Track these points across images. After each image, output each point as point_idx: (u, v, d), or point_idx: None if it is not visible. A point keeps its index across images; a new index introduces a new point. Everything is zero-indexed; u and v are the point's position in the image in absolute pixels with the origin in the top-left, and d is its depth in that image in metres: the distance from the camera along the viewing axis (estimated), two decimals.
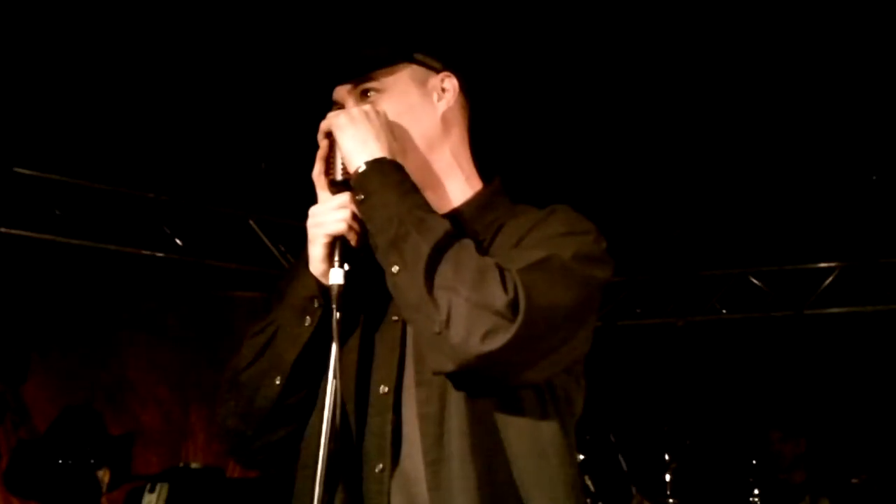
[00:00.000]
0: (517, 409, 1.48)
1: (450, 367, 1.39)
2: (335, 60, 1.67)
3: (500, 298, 1.36)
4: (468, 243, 1.44)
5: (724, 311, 6.55)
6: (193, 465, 5.60)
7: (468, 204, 1.65)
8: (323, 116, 1.61)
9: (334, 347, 1.43)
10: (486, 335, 1.34)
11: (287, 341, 1.55)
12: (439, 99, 1.68)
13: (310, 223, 1.56)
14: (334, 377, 1.42)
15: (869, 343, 6.26)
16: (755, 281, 6.44)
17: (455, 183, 1.67)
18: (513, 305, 1.35)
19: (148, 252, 5.56)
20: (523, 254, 1.46)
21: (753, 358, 6.53)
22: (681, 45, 4.28)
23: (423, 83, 1.67)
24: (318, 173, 1.59)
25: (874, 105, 4.73)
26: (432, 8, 3.80)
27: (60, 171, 5.23)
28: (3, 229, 5.14)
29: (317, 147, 1.60)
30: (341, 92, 1.67)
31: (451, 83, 1.69)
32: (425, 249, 1.41)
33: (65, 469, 4.75)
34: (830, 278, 6.27)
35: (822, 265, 6.30)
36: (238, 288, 6.22)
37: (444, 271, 1.39)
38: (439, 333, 1.37)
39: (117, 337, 5.98)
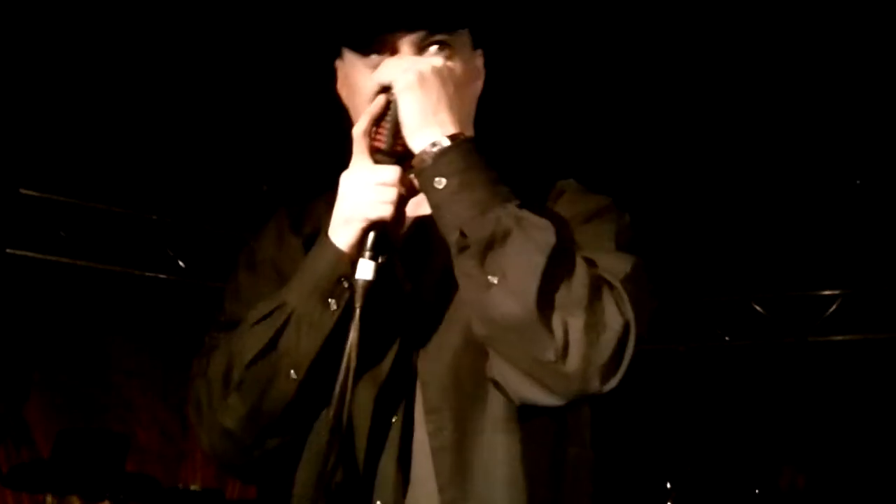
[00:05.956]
0: (547, 434, 1.31)
1: (556, 400, 1.22)
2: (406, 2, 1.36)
3: (617, 321, 1.19)
4: (574, 249, 1.24)
5: (726, 338, 6.53)
6: (193, 487, 5.61)
7: None
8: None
9: (348, 356, 1.20)
10: (607, 364, 1.18)
11: (306, 330, 1.28)
12: (478, 78, 1.44)
13: (345, 196, 1.28)
14: (343, 388, 1.20)
15: (873, 370, 6.22)
16: (758, 308, 6.42)
17: None
18: (626, 329, 1.19)
19: (150, 274, 5.60)
20: (605, 258, 1.27)
21: (756, 385, 6.50)
22: (684, 68, 4.30)
23: (474, 56, 1.43)
24: (361, 132, 1.28)
25: (879, 135, 4.73)
26: None
27: (65, 192, 5.28)
28: (8, 250, 5.19)
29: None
30: (402, 40, 1.33)
31: (482, 66, 1.46)
32: (539, 260, 1.17)
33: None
34: (834, 306, 6.25)
35: (826, 292, 6.28)
36: None
37: (559, 288, 1.18)
38: (553, 362, 1.17)
39: (118, 358, 6.00)
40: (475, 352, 1.27)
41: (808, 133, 4.76)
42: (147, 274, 5.59)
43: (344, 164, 1.33)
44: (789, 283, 6.29)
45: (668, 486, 5.55)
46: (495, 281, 1.19)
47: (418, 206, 1.32)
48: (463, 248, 1.21)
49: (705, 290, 6.47)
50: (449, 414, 1.28)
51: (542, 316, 1.16)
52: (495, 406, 1.28)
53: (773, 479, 5.88)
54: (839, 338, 6.25)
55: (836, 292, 6.25)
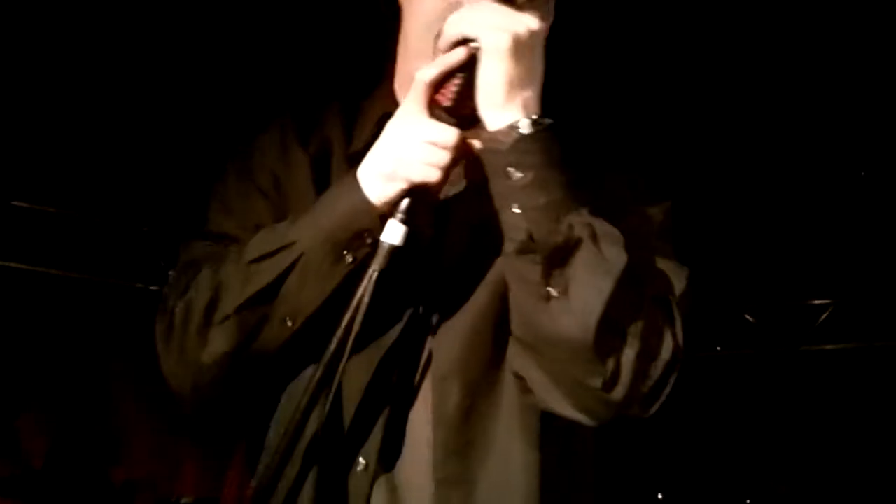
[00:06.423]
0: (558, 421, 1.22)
1: (589, 421, 1.17)
2: None
3: (669, 350, 1.15)
4: (641, 265, 1.16)
5: (717, 348, 6.53)
6: (184, 501, 5.59)
7: None
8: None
9: (351, 317, 1.12)
10: (651, 392, 1.15)
11: (313, 279, 1.16)
12: (549, 23, 1.23)
13: (391, 145, 1.14)
14: (338, 351, 1.11)
15: (866, 379, 6.21)
16: (749, 318, 6.43)
17: None
18: (676, 356, 1.16)
19: (142, 285, 5.60)
20: (663, 265, 1.22)
21: (748, 395, 6.49)
22: (678, 77, 4.31)
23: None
24: (428, 81, 1.13)
25: (869, 141, 4.75)
26: None
27: (57, 204, 5.29)
28: (0, 262, 5.20)
29: None
30: None
31: (553, 9, 1.25)
32: (607, 284, 1.10)
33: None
34: (825, 315, 6.25)
35: (817, 302, 6.29)
36: None
37: (622, 314, 1.11)
38: (597, 389, 1.12)
39: (110, 370, 5.99)
40: (495, 328, 1.21)
41: (798, 142, 4.77)
42: (138, 285, 5.59)
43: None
44: (780, 293, 6.29)
45: (660, 496, 5.53)
46: (555, 293, 1.10)
47: (456, 173, 1.21)
48: (526, 251, 1.11)
49: (697, 300, 6.47)
50: (457, 387, 1.19)
51: (599, 342, 1.09)
52: (509, 388, 1.22)
53: (764, 490, 5.87)
54: (831, 347, 6.25)
55: (827, 301, 6.25)
